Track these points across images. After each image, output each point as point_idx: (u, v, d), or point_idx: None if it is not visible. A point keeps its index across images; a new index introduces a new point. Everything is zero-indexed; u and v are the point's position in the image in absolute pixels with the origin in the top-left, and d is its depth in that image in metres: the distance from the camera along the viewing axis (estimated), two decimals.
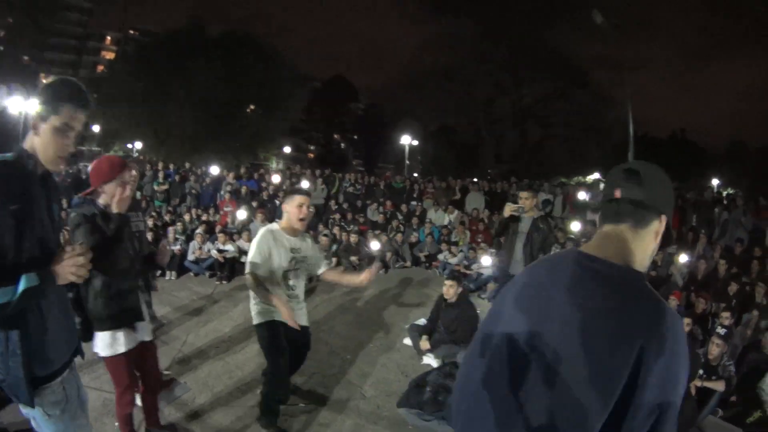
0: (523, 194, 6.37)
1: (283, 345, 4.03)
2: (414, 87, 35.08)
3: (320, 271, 4.36)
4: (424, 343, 6.15)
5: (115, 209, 2.91)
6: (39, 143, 2.10)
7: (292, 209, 4.12)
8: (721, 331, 5.57)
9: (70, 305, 2.46)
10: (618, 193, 1.45)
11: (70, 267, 1.97)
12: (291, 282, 4.15)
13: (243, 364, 5.47)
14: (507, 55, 31.45)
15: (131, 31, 61.07)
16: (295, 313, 3.95)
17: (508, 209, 6.16)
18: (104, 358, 3.27)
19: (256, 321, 4.09)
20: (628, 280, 1.36)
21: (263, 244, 4.03)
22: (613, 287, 1.34)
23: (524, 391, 1.34)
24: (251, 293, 4.06)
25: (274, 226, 4.20)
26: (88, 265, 2.02)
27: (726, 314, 6.53)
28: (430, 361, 5.95)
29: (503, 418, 1.36)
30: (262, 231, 4.16)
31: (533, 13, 30.69)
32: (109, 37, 63.61)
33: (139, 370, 3.51)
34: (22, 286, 1.84)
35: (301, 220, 4.12)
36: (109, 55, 55.89)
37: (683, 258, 9.38)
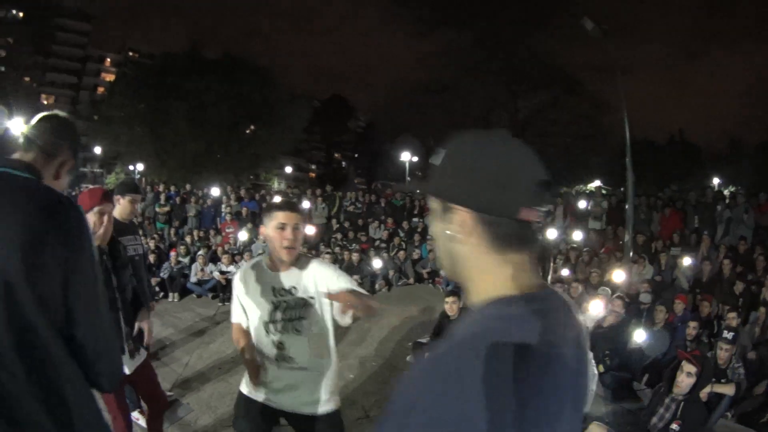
0: None
1: (249, 427, 2.85)
2: (411, 103, 35.07)
3: (344, 320, 2.62)
4: None
5: (95, 242, 2.85)
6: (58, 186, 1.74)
7: (272, 233, 2.70)
8: (729, 335, 5.51)
9: None
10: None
11: None
12: (275, 338, 2.74)
13: None
14: (501, 68, 31.57)
15: (131, 53, 61.43)
16: (285, 389, 2.76)
17: None
18: None
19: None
20: None
21: (235, 290, 2.86)
22: None
23: None
24: None
25: (257, 260, 2.90)
26: None
27: (732, 315, 6.48)
28: None
29: None
30: (239, 272, 2.91)
31: (524, 23, 30.80)
32: (108, 59, 63.85)
33: (141, 395, 3.48)
34: None
35: (287, 248, 2.68)
36: (109, 77, 55.89)
37: (687, 261, 9.35)
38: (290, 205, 2.80)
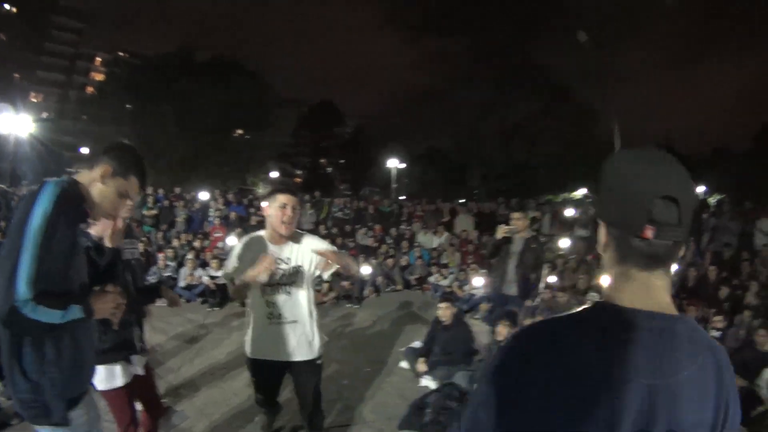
0: (516, 215, 6.50)
1: (263, 381, 3.86)
2: (401, 108, 35.31)
3: (326, 274, 3.62)
4: (421, 366, 6.13)
5: (107, 243, 2.82)
6: (98, 191, 2.25)
7: (273, 211, 3.39)
8: (716, 333, 5.60)
9: (93, 333, 2.48)
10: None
11: (110, 307, 2.16)
12: (269, 298, 3.46)
13: (240, 391, 5.40)
14: (492, 74, 31.79)
15: (121, 53, 60.80)
16: (278, 342, 3.50)
17: (501, 231, 6.29)
18: (102, 393, 3.13)
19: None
20: None
21: (239, 253, 3.55)
22: None
23: None
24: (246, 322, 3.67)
25: (260, 232, 3.60)
26: (123, 307, 2.21)
27: (718, 318, 6.61)
28: (428, 383, 5.91)
29: None
30: (243, 238, 3.71)
31: (517, 31, 31.15)
32: (99, 58, 63.07)
33: (141, 400, 3.46)
34: (69, 316, 1.98)
35: (285, 223, 3.37)
36: (99, 77, 55.27)
37: (673, 266, 9.46)
38: (290, 190, 3.47)
